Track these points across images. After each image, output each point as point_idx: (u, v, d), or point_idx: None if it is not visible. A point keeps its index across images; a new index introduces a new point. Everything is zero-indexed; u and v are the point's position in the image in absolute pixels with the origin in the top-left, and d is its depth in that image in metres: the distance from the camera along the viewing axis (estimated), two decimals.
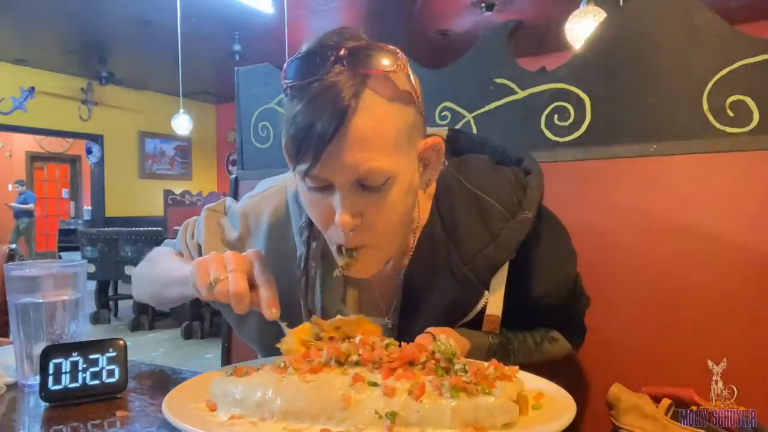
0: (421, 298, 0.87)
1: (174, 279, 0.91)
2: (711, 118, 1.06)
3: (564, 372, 0.99)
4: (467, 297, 0.84)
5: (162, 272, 0.97)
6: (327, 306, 0.92)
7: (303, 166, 0.71)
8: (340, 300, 0.93)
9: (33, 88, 8.83)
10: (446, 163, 0.88)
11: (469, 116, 1.29)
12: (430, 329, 0.79)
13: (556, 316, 0.94)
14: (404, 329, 0.87)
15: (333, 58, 0.69)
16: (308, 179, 0.73)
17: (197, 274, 0.76)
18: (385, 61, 0.71)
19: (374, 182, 0.72)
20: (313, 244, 0.92)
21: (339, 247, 0.78)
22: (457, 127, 1.29)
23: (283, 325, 0.75)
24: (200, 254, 0.98)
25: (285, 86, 0.72)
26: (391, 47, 0.73)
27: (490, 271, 0.83)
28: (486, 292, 0.83)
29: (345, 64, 0.69)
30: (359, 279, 0.88)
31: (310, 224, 0.90)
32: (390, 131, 0.71)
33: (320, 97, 0.68)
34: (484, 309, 0.84)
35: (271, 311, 0.73)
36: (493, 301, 0.83)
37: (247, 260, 0.77)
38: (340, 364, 0.65)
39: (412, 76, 0.75)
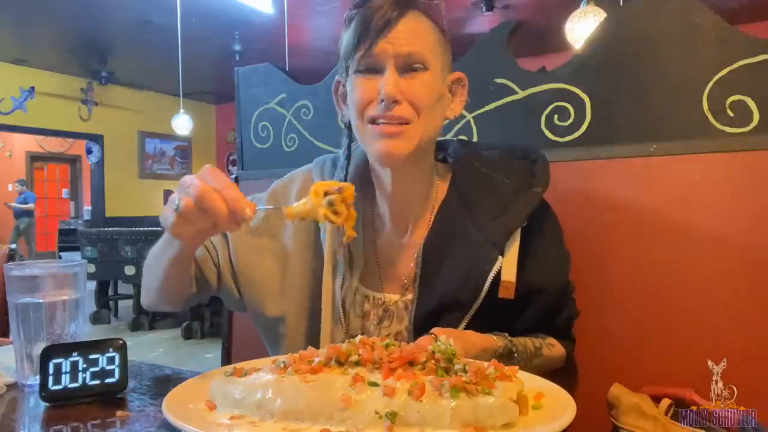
0: (438, 267, 0.91)
1: (161, 246, 0.91)
2: (711, 118, 1.06)
3: (564, 372, 0.99)
4: (482, 261, 0.88)
5: (153, 252, 0.95)
6: (343, 285, 0.96)
7: (360, 51, 0.87)
8: (358, 277, 0.98)
9: (33, 88, 8.82)
10: (461, 152, 1.01)
11: (469, 116, 1.29)
12: (434, 330, 0.79)
13: (551, 314, 0.95)
14: (423, 300, 0.91)
15: None
16: (362, 61, 0.87)
17: (164, 212, 0.74)
18: None
19: (415, 64, 0.86)
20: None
21: (376, 121, 0.87)
22: (457, 127, 1.30)
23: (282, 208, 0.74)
24: (226, 241, 1.02)
25: (345, 17, 0.90)
26: None
27: (503, 236, 0.88)
28: (500, 256, 0.87)
29: None
30: (380, 253, 0.97)
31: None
32: (429, 38, 0.88)
33: (374, 9, 0.86)
34: (499, 280, 0.86)
35: (245, 211, 0.69)
36: (507, 267, 0.87)
37: (203, 179, 0.71)
38: (340, 364, 0.65)
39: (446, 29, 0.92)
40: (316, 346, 0.91)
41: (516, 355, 0.87)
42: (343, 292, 0.94)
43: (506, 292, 0.87)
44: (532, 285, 0.89)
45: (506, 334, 0.89)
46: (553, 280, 0.93)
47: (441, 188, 0.98)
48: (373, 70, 0.87)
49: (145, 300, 1.01)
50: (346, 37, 0.89)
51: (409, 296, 0.94)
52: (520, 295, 0.88)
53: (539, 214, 0.93)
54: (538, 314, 0.93)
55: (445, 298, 0.88)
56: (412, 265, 0.95)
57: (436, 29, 0.90)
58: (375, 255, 0.99)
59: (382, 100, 0.85)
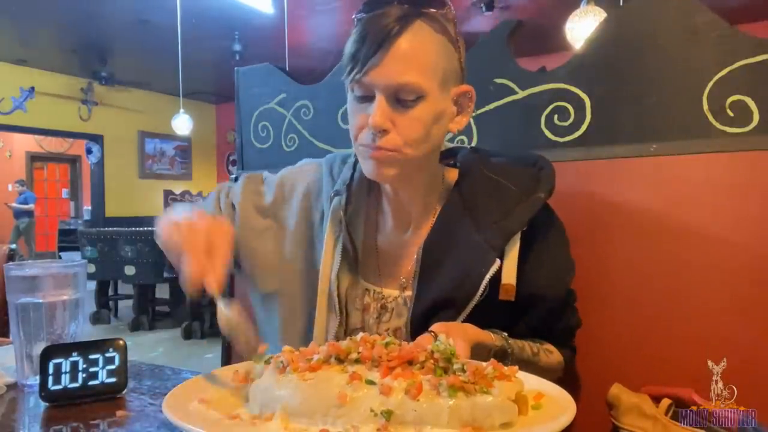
0: (437, 267, 0.92)
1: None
2: (711, 118, 1.05)
3: (564, 372, 0.99)
4: (479, 263, 0.88)
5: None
6: (342, 277, 0.98)
7: (353, 74, 0.84)
8: (358, 270, 0.99)
9: (33, 88, 8.82)
10: (470, 155, 1.00)
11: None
12: (433, 327, 0.79)
13: (550, 321, 0.95)
14: (420, 297, 0.92)
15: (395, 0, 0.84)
16: (356, 87, 0.86)
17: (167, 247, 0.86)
18: (438, 4, 0.85)
19: (407, 96, 0.83)
20: (340, 211, 0.98)
21: (366, 148, 0.87)
22: None
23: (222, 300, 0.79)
24: (233, 213, 1.07)
25: (354, 19, 0.87)
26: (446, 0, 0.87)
27: (502, 239, 0.89)
28: (498, 259, 0.87)
29: (403, 2, 0.83)
30: (381, 249, 0.99)
31: (345, 190, 0.99)
32: (429, 57, 0.84)
33: (376, 21, 0.83)
34: (499, 282, 0.87)
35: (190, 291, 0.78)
36: (507, 270, 0.88)
37: (203, 236, 0.83)
38: (339, 361, 0.65)
39: (459, 37, 0.89)
40: (311, 330, 0.96)
41: (511, 355, 0.86)
42: (342, 283, 0.97)
43: (507, 295, 0.87)
44: (531, 290, 0.90)
45: (505, 334, 0.89)
46: (552, 288, 0.93)
47: (446, 190, 0.98)
48: (366, 97, 0.86)
49: None
50: (346, 49, 0.87)
51: (409, 293, 0.95)
52: (519, 299, 0.88)
53: (543, 221, 0.92)
54: (536, 321, 0.93)
55: (440, 298, 0.89)
56: (412, 263, 0.96)
57: (444, 39, 0.86)
58: (376, 250, 1.00)
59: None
